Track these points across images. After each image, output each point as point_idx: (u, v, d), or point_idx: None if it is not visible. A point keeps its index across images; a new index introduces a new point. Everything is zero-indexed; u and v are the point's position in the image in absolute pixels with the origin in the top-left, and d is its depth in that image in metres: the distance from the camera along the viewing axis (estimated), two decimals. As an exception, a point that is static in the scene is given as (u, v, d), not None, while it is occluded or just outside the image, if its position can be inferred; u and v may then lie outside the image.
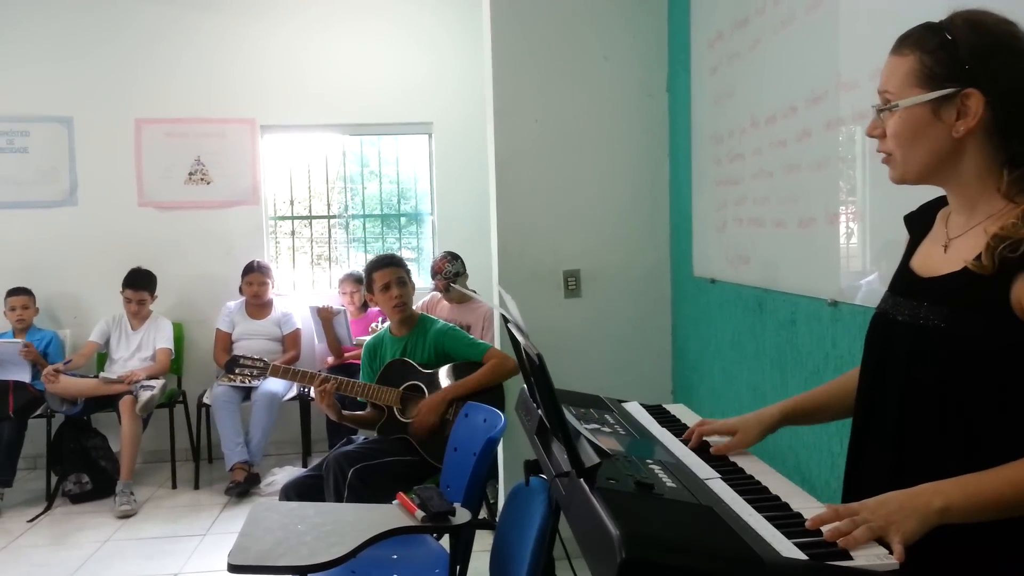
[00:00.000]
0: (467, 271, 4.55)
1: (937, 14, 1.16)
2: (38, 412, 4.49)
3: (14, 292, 4.73)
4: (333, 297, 5.15)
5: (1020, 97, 1.09)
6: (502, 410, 2.70)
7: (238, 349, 4.77)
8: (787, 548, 1.00)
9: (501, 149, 3.38)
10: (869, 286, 1.90)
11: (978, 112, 1.09)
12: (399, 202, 5.67)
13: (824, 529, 1.04)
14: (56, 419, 4.55)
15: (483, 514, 3.09)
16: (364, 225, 5.65)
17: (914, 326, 1.16)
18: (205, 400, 4.74)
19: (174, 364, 4.91)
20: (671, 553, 0.95)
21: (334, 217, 5.60)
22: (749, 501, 1.16)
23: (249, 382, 3.50)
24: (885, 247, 1.84)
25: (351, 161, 5.59)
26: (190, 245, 5.19)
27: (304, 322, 5.06)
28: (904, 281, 1.24)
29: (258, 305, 4.94)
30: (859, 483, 1.26)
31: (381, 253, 3.58)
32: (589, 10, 3.36)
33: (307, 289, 5.49)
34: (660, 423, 1.59)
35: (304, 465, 4.68)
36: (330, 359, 4.94)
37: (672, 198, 3.43)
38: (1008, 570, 1.08)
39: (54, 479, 4.44)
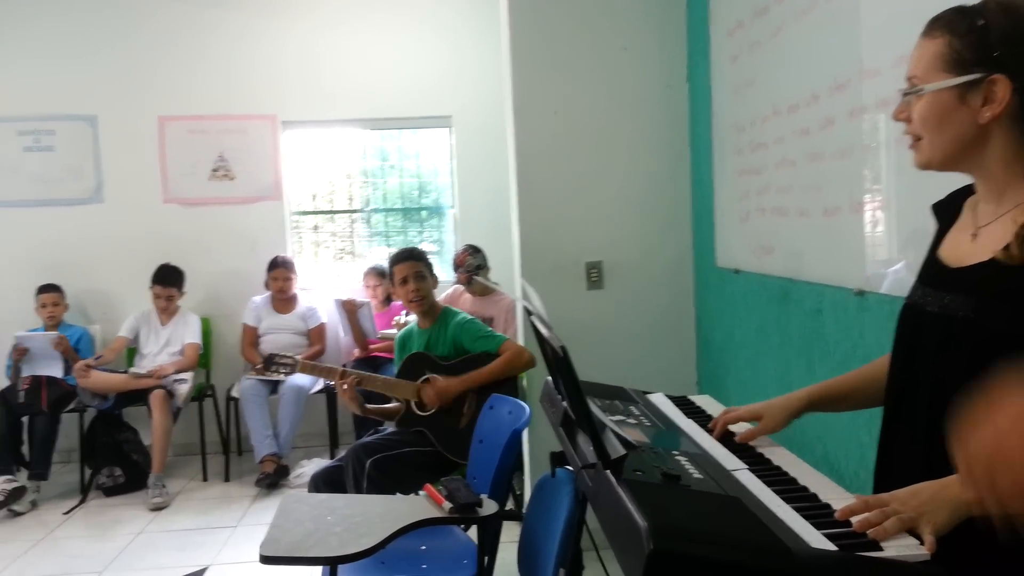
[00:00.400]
0: (489, 264, 4.56)
1: (961, -1, 1.15)
2: (71, 407, 4.58)
3: (44, 289, 4.81)
4: (357, 291, 5.19)
5: None
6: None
7: (264, 343, 4.83)
8: (816, 539, 1.00)
9: (521, 141, 3.38)
10: (896, 275, 1.89)
11: (1004, 99, 1.08)
12: (420, 196, 5.69)
13: (853, 520, 1.04)
14: (88, 413, 4.63)
15: (510, 505, 3.12)
16: (385, 219, 5.68)
17: (943, 317, 1.15)
18: (233, 394, 4.80)
19: (202, 359, 4.97)
20: (699, 544, 0.96)
21: (356, 212, 5.64)
22: (777, 492, 1.16)
23: (284, 377, 3.58)
24: (912, 235, 1.83)
25: (371, 155, 5.61)
26: (215, 241, 5.25)
27: (328, 316, 5.11)
28: (933, 271, 1.23)
29: (283, 300, 5.00)
30: (890, 475, 1.26)
31: (404, 247, 3.60)
32: (607, 1, 3.35)
33: (330, 283, 5.53)
34: (686, 414, 1.60)
35: (331, 457, 4.73)
36: (355, 352, 4.98)
37: (694, 189, 3.42)
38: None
39: (88, 472, 4.52)
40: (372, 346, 4.93)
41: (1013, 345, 1.06)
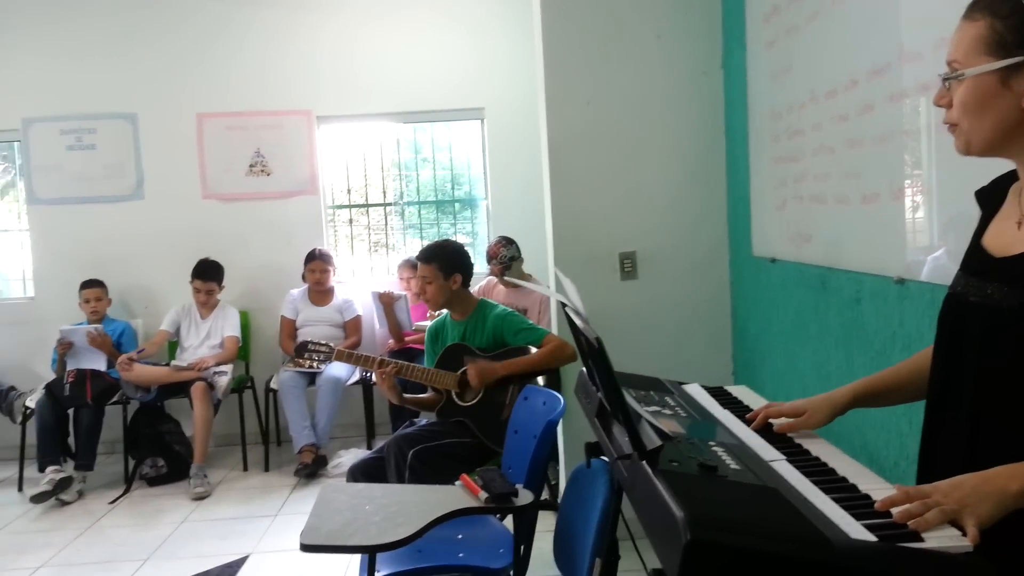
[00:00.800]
0: (522, 255, 4.57)
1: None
2: (114, 399, 4.68)
3: (88, 284, 4.92)
4: (392, 283, 5.23)
5: None
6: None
7: (302, 335, 4.88)
8: (856, 530, 0.99)
9: (554, 132, 3.37)
10: (936, 262, 1.85)
11: None
12: (453, 188, 5.71)
13: (894, 511, 1.02)
14: (132, 405, 4.74)
15: (545, 495, 3.12)
16: (419, 212, 5.71)
17: (987, 307, 1.13)
18: (272, 385, 4.88)
19: (241, 351, 5.06)
20: (737, 534, 0.95)
21: (390, 204, 5.68)
22: (815, 482, 1.15)
23: (316, 366, 3.62)
24: (953, 222, 1.79)
25: (405, 148, 5.65)
26: (253, 235, 5.32)
27: (363, 308, 5.16)
28: (976, 260, 1.21)
29: (320, 292, 5.06)
30: (933, 466, 1.24)
31: (432, 241, 3.63)
32: (641, -12, 3.32)
33: (366, 276, 5.58)
34: (722, 405, 1.59)
35: (368, 447, 4.78)
36: (390, 343, 5.02)
37: (729, 177, 3.38)
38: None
39: (131, 463, 4.63)
40: (407, 337, 4.97)
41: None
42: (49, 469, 4.34)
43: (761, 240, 3.05)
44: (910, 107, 1.94)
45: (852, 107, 2.21)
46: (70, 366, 4.63)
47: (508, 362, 3.09)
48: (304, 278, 5.07)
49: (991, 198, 1.25)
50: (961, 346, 1.19)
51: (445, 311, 3.37)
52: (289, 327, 5.03)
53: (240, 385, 4.94)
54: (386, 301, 4.93)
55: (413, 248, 5.53)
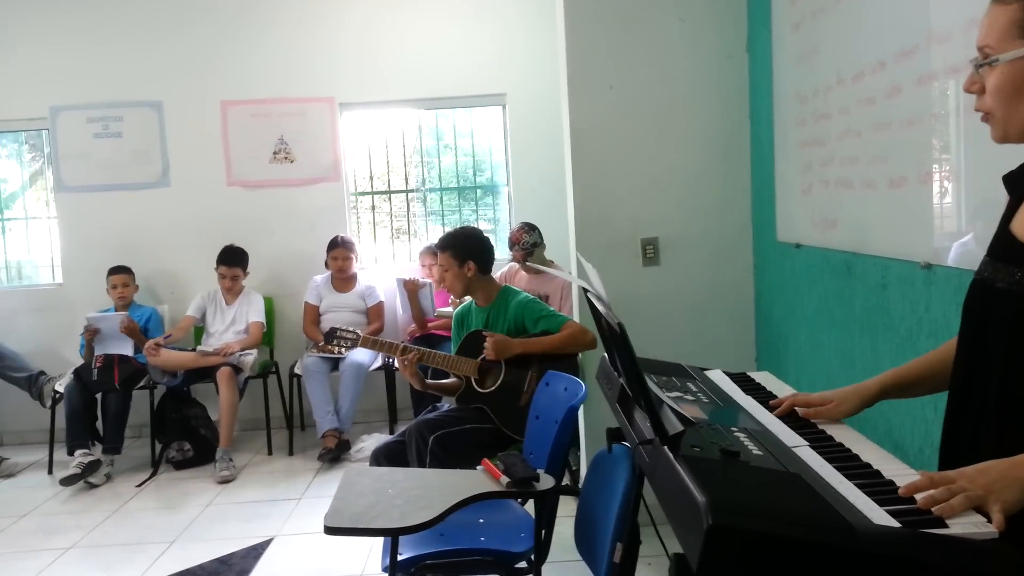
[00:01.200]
0: (544, 241, 4.56)
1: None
2: (141, 384, 4.75)
3: (115, 271, 4.98)
4: (414, 269, 5.25)
5: None
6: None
7: (325, 321, 4.92)
8: (879, 516, 0.98)
9: (576, 117, 3.35)
10: (964, 247, 1.83)
11: None
12: (475, 174, 5.70)
13: (918, 496, 1.02)
14: (158, 390, 4.81)
15: (566, 481, 3.13)
16: (441, 198, 5.72)
17: (1014, 293, 1.11)
18: (296, 370, 4.92)
19: (266, 336, 5.11)
20: (759, 520, 0.94)
21: (412, 191, 5.69)
22: (839, 468, 1.14)
23: (343, 352, 3.67)
24: (981, 206, 1.76)
25: (427, 135, 5.65)
26: (277, 222, 5.36)
27: (385, 294, 5.18)
28: (1003, 245, 1.19)
29: (343, 279, 5.09)
30: (957, 453, 1.22)
31: (454, 228, 3.64)
32: (664, -29, 3.29)
33: (388, 262, 5.60)
34: (744, 391, 1.58)
35: (391, 432, 4.82)
36: (412, 328, 5.04)
37: (753, 162, 3.35)
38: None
39: (158, 447, 4.70)
40: (429, 324, 4.99)
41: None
42: (78, 452, 4.43)
43: (786, 225, 3.02)
44: (938, 90, 1.90)
45: (879, 90, 2.18)
46: (98, 351, 4.70)
47: (525, 340, 3.10)
48: (327, 265, 5.10)
49: (1019, 183, 1.22)
50: (987, 331, 1.17)
51: (469, 298, 3.37)
52: (312, 313, 5.07)
53: (264, 370, 4.99)
54: (411, 288, 4.95)
55: (435, 235, 5.54)
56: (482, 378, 3.15)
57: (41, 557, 3.51)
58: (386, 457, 2.99)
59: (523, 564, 2.30)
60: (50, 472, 4.69)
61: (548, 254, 4.60)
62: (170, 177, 5.38)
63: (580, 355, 3.24)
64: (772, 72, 3.05)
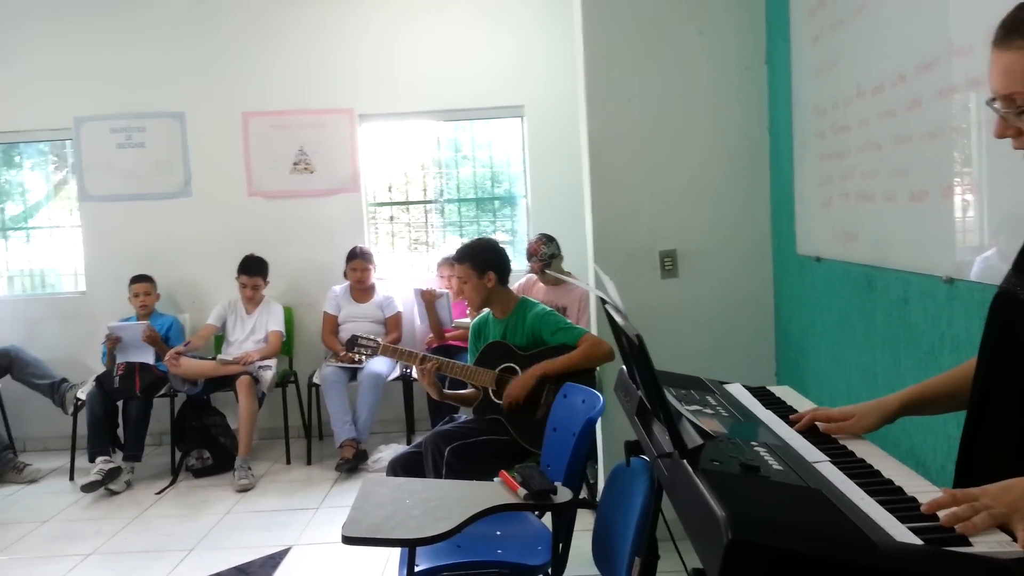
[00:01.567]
0: (562, 253, 4.56)
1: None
2: (162, 392, 4.79)
3: (137, 279, 5.03)
4: (432, 280, 5.27)
5: None
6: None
7: (344, 332, 4.94)
8: (901, 533, 0.97)
9: (594, 129, 3.36)
10: (987, 262, 1.81)
11: None
12: (492, 186, 5.72)
13: (941, 514, 1.01)
14: (179, 398, 4.84)
15: (583, 494, 3.12)
16: (459, 209, 5.74)
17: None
18: (315, 380, 4.95)
19: (285, 346, 5.14)
20: (779, 535, 0.94)
21: (430, 202, 5.71)
22: (860, 484, 1.13)
23: (364, 360, 3.70)
24: (1005, 220, 1.75)
25: (445, 146, 5.68)
26: (296, 232, 5.40)
27: (403, 304, 5.20)
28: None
29: (362, 289, 5.11)
30: (972, 468, 1.21)
31: (472, 239, 3.64)
32: (683, -16, 3.30)
33: (406, 273, 5.63)
34: (764, 405, 1.57)
35: (408, 442, 4.82)
36: (429, 338, 5.05)
37: (773, 174, 3.34)
38: None
39: (178, 455, 4.73)
40: (447, 334, 5.00)
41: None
42: (99, 459, 4.47)
43: (805, 238, 3.01)
44: (959, 103, 1.89)
45: (900, 103, 2.17)
46: (119, 359, 4.75)
47: (543, 363, 3.08)
48: (346, 275, 5.13)
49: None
50: (1009, 345, 1.16)
51: (487, 309, 3.38)
52: (331, 323, 5.10)
53: (284, 379, 5.02)
54: (428, 298, 4.96)
55: (453, 246, 5.56)
56: (500, 389, 3.15)
57: (62, 562, 3.54)
58: (403, 467, 3.00)
59: (540, 577, 2.30)
60: (71, 478, 4.74)
61: (566, 266, 4.60)
62: (192, 187, 5.44)
63: (598, 368, 3.24)
64: (791, 84, 3.04)
